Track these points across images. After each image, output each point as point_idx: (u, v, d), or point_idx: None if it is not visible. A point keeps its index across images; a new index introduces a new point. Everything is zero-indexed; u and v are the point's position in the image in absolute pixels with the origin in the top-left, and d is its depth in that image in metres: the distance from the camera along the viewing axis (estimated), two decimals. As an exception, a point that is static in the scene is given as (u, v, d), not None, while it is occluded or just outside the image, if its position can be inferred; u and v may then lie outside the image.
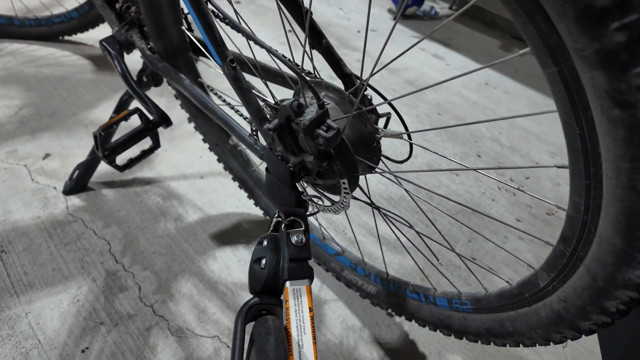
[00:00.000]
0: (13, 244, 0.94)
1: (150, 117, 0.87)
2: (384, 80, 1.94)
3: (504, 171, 1.52)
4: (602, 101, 0.29)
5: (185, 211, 1.11)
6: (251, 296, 0.52)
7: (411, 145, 0.62)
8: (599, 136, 0.32)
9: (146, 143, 0.91)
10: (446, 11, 3.05)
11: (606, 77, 0.27)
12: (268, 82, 0.66)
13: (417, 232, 0.71)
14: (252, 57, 0.66)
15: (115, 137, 0.87)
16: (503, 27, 2.89)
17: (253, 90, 0.59)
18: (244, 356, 0.44)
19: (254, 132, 0.67)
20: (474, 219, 1.28)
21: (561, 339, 0.50)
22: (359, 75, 0.59)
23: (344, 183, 0.57)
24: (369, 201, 0.69)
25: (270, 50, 0.52)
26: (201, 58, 0.90)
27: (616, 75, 0.27)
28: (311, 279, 0.52)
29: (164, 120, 0.86)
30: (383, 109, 0.55)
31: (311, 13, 0.53)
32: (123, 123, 0.90)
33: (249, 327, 0.49)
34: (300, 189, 0.60)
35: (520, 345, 0.57)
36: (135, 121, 0.88)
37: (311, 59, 0.57)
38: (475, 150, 1.60)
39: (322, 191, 0.65)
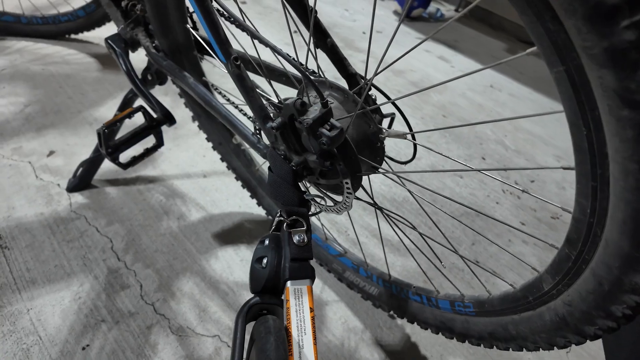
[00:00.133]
0: (16, 240, 0.94)
1: (154, 115, 0.87)
2: (389, 82, 1.93)
3: (508, 174, 1.51)
4: (611, 101, 0.28)
5: (188, 210, 1.11)
6: (252, 295, 0.52)
7: (415, 145, 0.61)
8: (606, 137, 0.32)
9: (150, 141, 0.91)
10: (452, 13, 3.04)
11: (615, 76, 0.27)
12: (272, 82, 0.66)
13: (420, 234, 0.70)
14: (257, 56, 0.66)
15: (119, 135, 0.87)
16: (509, 29, 2.88)
17: (257, 89, 0.59)
18: (244, 356, 0.44)
19: (257, 131, 0.67)
20: (478, 221, 1.27)
21: (565, 344, 0.49)
22: (363, 75, 0.59)
23: (346, 183, 0.57)
24: (371, 202, 0.69)
25: (274, 49, 0.52)
26: (206, 57, 0.90)
27: (625, 74, 0.26)
28: (312, 279, 0.52)
29: (168, 118, 0.86)
30: (387, 109, 0.55)
31: (316, 12, 0.53)
32: (127, 121, 0.90)
33: (250, 327, 0.49)
34: (302, 189, 0.59)
35: (524, 349, 0.56)
36: (139, 119, 0.88)
37: (315, 58, 0.56)
38: (480, 153, 1.59)
39: (324, 191, 0.65)
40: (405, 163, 0.63)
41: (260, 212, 1.13)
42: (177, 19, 0.79)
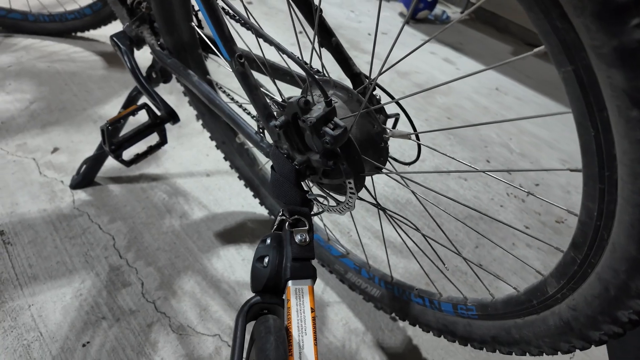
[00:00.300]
0: (19, 236, 0.94)
1: (158, 113, 0.87)
2: (394, 83, 1.93)
3: (512, 178, 1.50)
4: (620, 101, 0.28)
5: (190, 208, 1.10)
6: (253, 295, 0.51)
7: (419, 146, 0.61)
8: (614, 138, 0.31)
9: (153, 139, 0.91)
10: (458, 15, 3.03)
11: (625, 76, 0.26)
12: (276, 81, 0.66)
13: (424, 235, 0.70)
14: (261, 55, 0.66)
15: (123, 133, 0.87)
16: (515, 32, 2.87)
17: (261, 88, 0.59)
18: (244, 355, 0.44)
19: (261, 130, 0.67)
20: (482, 224, 1.26)
21: (569, 349, 0.48)
22: (367, 74, 0.58)
23: (349, 183, 0.56)
24: (374, 202, 0.68)
25: (278, 47, 0.51)
26: (210, 56, 0.90)
27: (635, 74, 0.26)
28: (314, 279, 0.52)
29: (172, 116, 0.86)
30: (391, 110, 0.54)
31: (321, 10, 0.53)
32: (131, 119, 0.90)
33: (250, 326, 0.48)
34: (305, 188, 0.59)
35: (527, 354, 0.55)
36: (143, 117, 0.88)
37: (320, 57, 0.56)
38: (485, 156, 1.58)
39: (327, 191, 0.65)
40: (409, 164, 0.62)
41: (263, 211, 1.13)
42: (182, 17, 0.79)
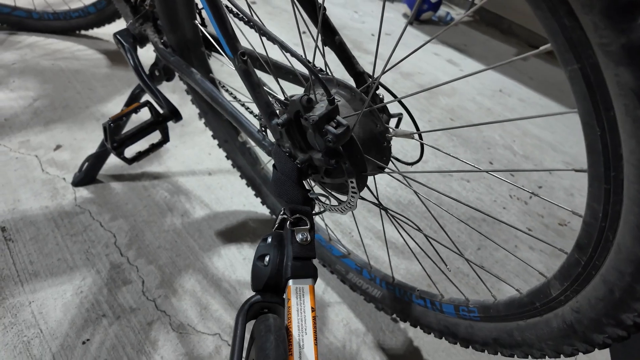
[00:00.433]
0: (20, 233, 0.94)
1: (161, 111, 0.87)
2: (397, 84, 1.92)
3: (515, 179, 1.49)
4: (628, 100, 0.27)
5: (192, 207, 1.10)
6: (253, 294, 0.51)
7: (422, 145, 0.60)
8: (621, 138, 0.31)
9: (155, 137, 0.91)
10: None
11: (633, 74, 0.26)
12: (279, 79, 0.66)
13: (426, 236, 0.69)
14: (264, 53, 0.66)
15: (125, 130, 0.87)
16: (519, 34, 2.86)
17: (263, 86, 0.58)
18: (244, 354, 0.43)
19: (263, 128, 0.67)
20: (484, 226, 1.25)
21: (572, 352, 0.48)
22: (370, 73, 0.58)
23: (352, 182, 0.56)
24: (377, 202, 0.68)
25: (282, 44, 0.51)
26: (214, 54, 0.90)
27: (644, 72, 0.25)
28: (315, 278, 0.51)
29: (174, 114, 0.86)
30: (394, 110, 0.54)
31: (324, 8, 0.52)
32: (133, 117, 0.90)
33: (250, 325, 0.48)
34: (307, 187, 0.59)
35: (529, 356, 0.55)
36: (145, 115, 0.88)
37: (323, 55, 0.56)
38: (488, 158, 1.57)
39: (329, 190, 0.64)
40: (412, 164, 0.62)
41: (265, 211, 1.13)
42: (185, 15, 0.79)
